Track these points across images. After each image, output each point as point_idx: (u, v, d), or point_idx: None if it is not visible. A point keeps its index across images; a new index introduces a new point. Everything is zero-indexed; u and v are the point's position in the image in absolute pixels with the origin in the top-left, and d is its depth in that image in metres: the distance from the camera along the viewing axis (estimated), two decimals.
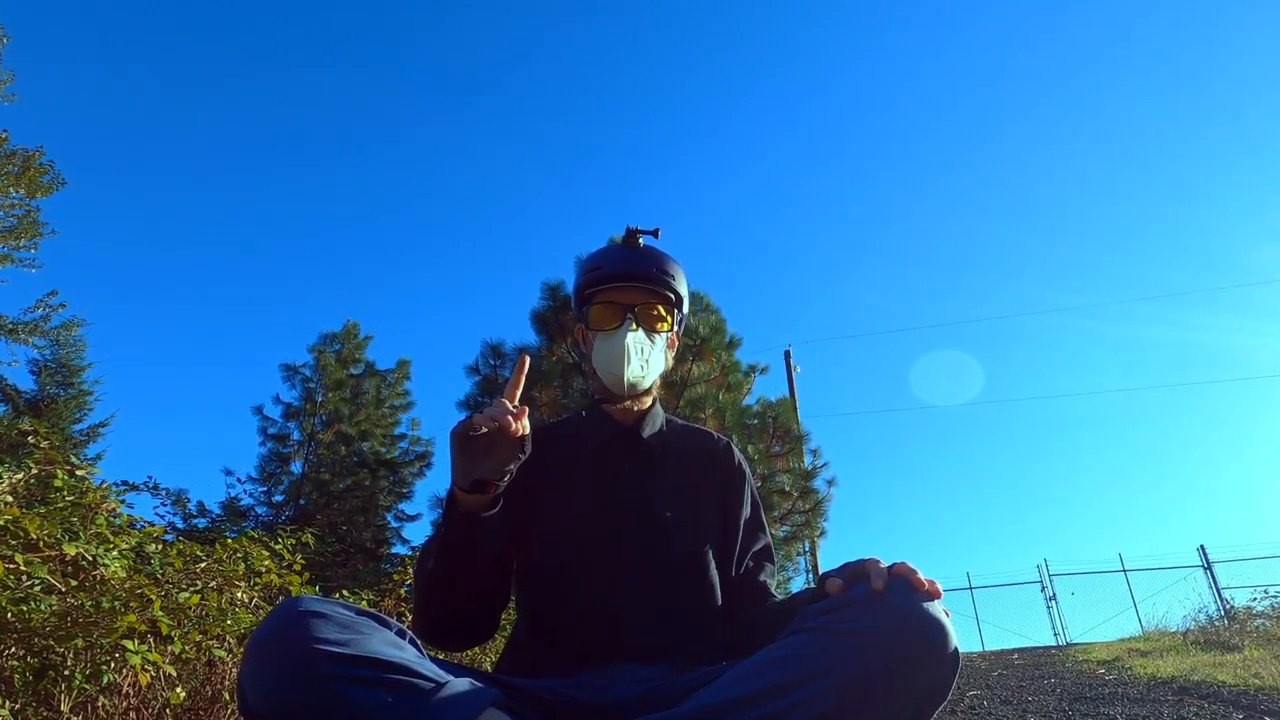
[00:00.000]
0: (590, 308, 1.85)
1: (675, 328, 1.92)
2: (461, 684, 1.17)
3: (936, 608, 1.19)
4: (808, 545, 13.62)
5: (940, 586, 1.23)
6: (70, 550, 3.21)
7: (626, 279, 1.82)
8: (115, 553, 3.49)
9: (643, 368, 1.80)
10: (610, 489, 1.74)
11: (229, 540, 4.70)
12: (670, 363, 1.95)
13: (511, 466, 1.44)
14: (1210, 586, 18.51)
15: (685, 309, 1.92)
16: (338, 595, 5.98)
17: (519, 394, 1.48)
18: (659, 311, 1.84)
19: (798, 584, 14.13)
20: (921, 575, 1.23)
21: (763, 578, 1.81)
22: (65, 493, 3.72)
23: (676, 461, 1.84)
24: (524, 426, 1.40)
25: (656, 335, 1.83)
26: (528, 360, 1.49)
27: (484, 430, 1.36)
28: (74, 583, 3.23)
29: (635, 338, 1.78)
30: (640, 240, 1.88)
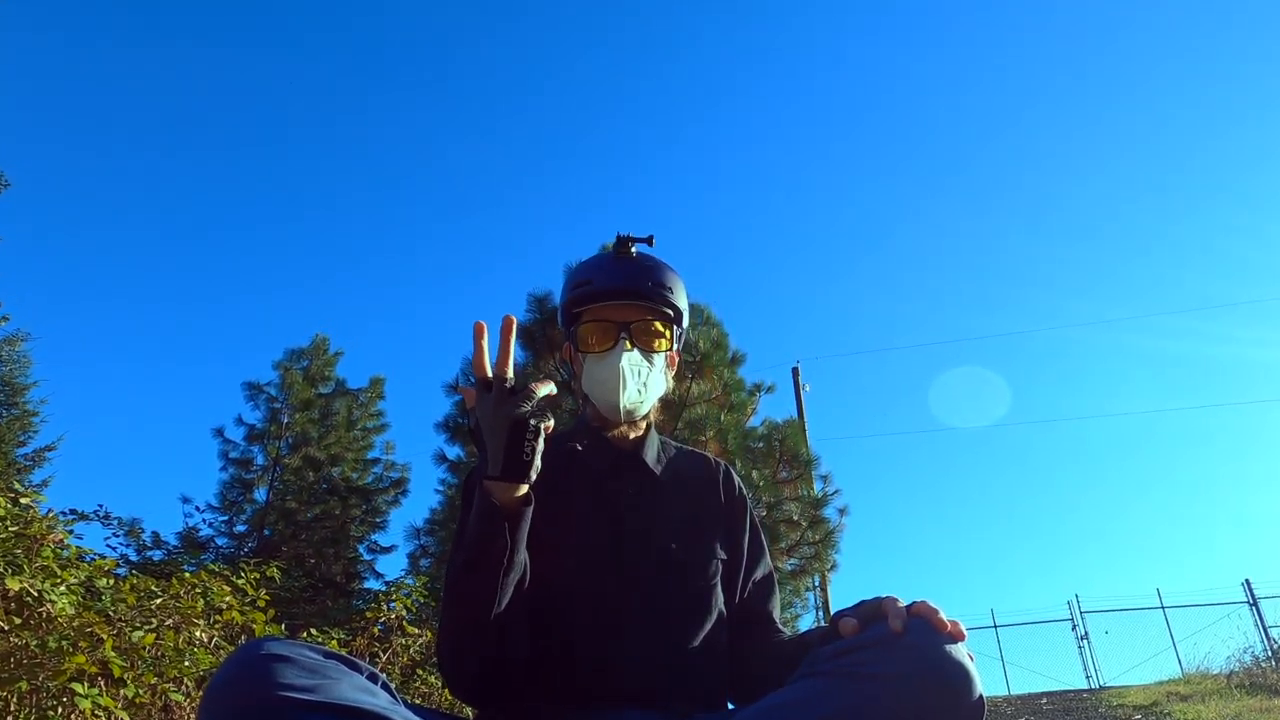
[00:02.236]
0: (579, 327, 1.81)
1: (674, 345, 1.88)
2: None
3: (960, 651, 1.19)
4: (817, 580, 13.62)
5: (963, 627, 1.23)
6: (14, 585, 3.19)
7: (619, 295, 1.79)
8: (63, 588, 3.48)
9: (640, 392, 1.76)
10: (613, 520, 1.72)
11: (187, 574, 4.70)
12: (670, 384, 1.91)
13: (536, 424, 1.41)
14: (1256, 624, 18.46)
15: (685, 324, 1.90)
16: (305, 635, 5.96)
17: (510, 361, 1.44)
18: (656, 328, 1.80)
19: (807, 622, 14.06)
20: (943, 615, 1.23)
21: (768, 606, 1.82)
22: (8, 523, 3.70)
23: (678, 490, 1.83)
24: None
25: (654, 355, 1.79)
26: (514, 321, 1.46)
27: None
28: (18, 620, 3.22)
29: (631, 358, 1.74)
30: (633, 249, 1.85)
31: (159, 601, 4.04)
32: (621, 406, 1.74)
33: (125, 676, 3.25)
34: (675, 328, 1.86)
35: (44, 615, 3.29)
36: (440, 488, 12.26)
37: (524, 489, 1.43)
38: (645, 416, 1.85)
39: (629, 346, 1.74)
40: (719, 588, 1.75)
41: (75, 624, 3.26)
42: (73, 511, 6.77)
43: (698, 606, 1.69)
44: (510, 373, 1.44)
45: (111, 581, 4.13)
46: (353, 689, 1.15)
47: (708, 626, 1.68)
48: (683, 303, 1.86)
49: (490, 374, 1.44)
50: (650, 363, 1.78)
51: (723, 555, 1.79)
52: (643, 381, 1.77)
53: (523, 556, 1.47)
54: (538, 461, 1.41)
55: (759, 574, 1.85)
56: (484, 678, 1.52)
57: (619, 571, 1.66)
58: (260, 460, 17.06)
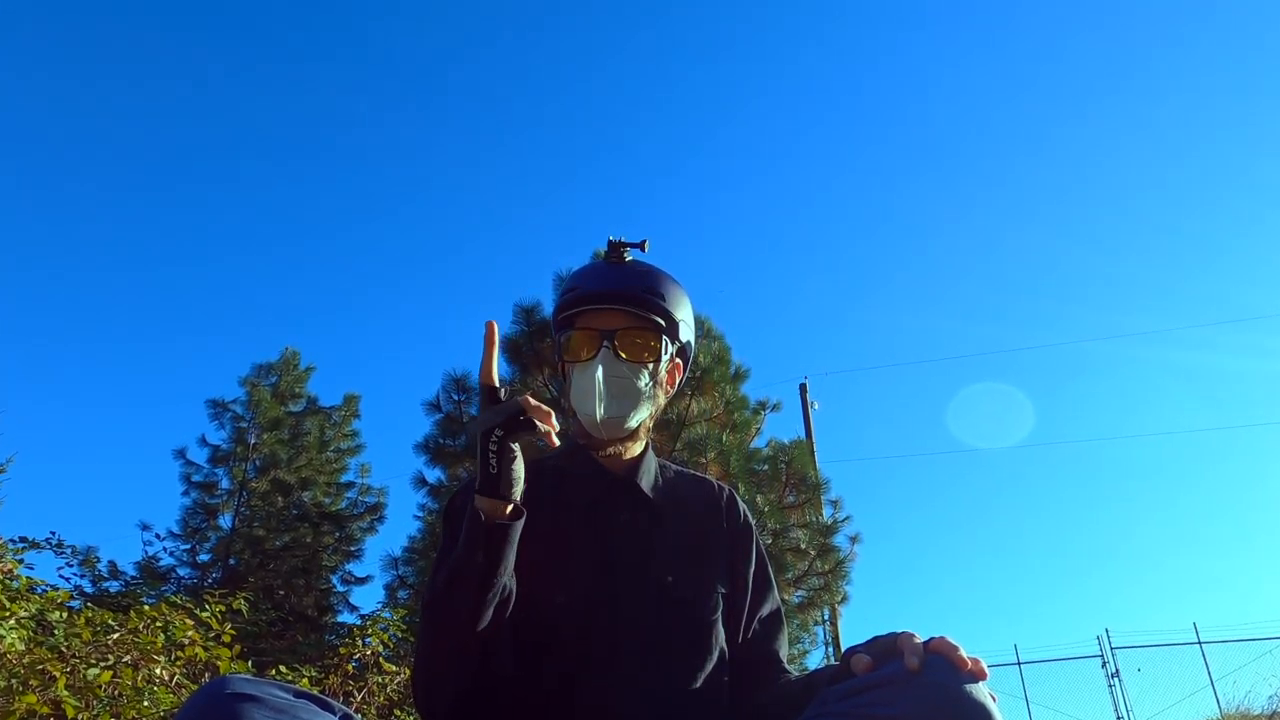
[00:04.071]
0: (566, 336, 1.82)
1: (669, 357, 1.86)
2: None
3: (981, 690, 1.19)
4: (827, 613, 13.54)
5: (985, 665, 1.23)
6: None
7: (605, 300, 1.80)
8: (12, 621, 3.47)
9: (620, 405, 1.75)
10: (606, 551, 1.72)
11: (146, 607, 4.68)
12: (663, 399, 1.90)
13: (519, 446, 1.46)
14: None
15: (686, 337, 1.89)
16: (273, 672, 5.94)
17: (495, 370, 1.48)
18: (645, 337, 1.80)
19: (815, 659, 14.00)
20: (963, 652, 1.23)
21: (774, 646, 1.82)
22: None
23: (677, 517, 1.82)
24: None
25: (640, 367, 1.78)
26: (495, 328, 1.48)
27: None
28: None
29: (612, 369, 1.73)
30: (626, 255, 1.86)
31: (116, 636, 4.03)
32: (598, 419, 1.72)
33: (80, 718, 3.24)
34: (669, 339, 1.84)
35: None
36: (420, 513, 12.22)
37: (509, 506, 1.45)
38: (636, 434, 1.84)
39: (613, 356, 1.74)
40: (720, 625, 1.74)
41: (26, 661, 3.25)
42: (23, 539, 6.77)
43: (697, 646, 1.68)
44: (495, 381, 1.47)
45: (65, 615, 4.13)
46: None
47: (708, 668, 1.67)
48: (680, 313, 1.85)
49: (484, 382, 1.47)
50: (635, 374, 1.77)
51: (725, 590, 1.79)
52: (623, 394, 1.76)
53: (504, 579, 1.48)
54: (511, 476, 1.44)
55: (765, 610, 1.85)
56: (462, 709, 1.53)
57: (611, 607, 1.65)
58: (225, 484, 17.01)
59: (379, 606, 11.73)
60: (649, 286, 1.81)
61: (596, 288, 1.81)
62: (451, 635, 1.47)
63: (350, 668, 6.34)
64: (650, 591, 1.68)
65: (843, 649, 1.65)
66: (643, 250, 1.89)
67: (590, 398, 1.72)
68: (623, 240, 1.87)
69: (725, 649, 1.73)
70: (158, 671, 4.00)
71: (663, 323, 1.82)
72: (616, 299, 1.79)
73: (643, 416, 1.83)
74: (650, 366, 1.81)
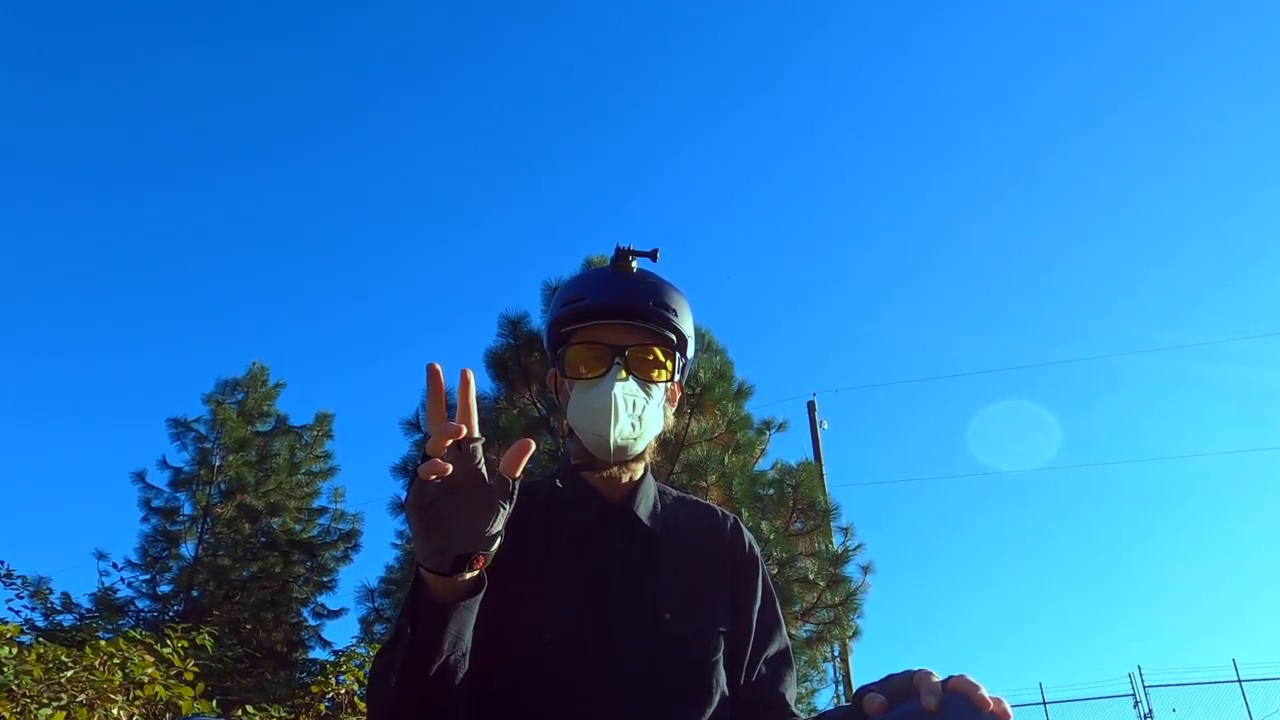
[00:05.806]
0: (568, 349, 1.80)
1: (677, 376, 1.86)
2: None
3: None
4: (837, 649, 13.55)
5: (1008, 705, 1.23)
6: None
7: (615, 314, 1.78)
8: None
9: (634, 427, 1.73)
10: (597, 585, 1.71)
11: (103, 642, 4.67)
12: (670, 420, 1.90)
13: (497, 526, 1.32)
14: None
15: (690, 353, 1.89)
16: (239, 713, 5.92)
17: (475, 420, 1.31)
18: (656, 356, 1.79)
19: (825, 698, 13.99)
20: (985, 691, 1.23)
21: (781, 689, 1.81)
22: None
23: (677, 548, 1.82)
24: (474, 452, 1.28)
25: (653, 386, 1.77)
26: (472, 376, 1.38)
27: (435, 477, 1.22)
28: None
29: (625, 388, 1.71)
30: (634, 264, 1.85)
31: (70, 674, 4.02)
32: (612, 442, 1.71)
33: None
34: (678, 356, 1.85)
35: None
36: (398, 541, 12.25)
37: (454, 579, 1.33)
38: (640, 458, 1.83)
39: (623, 374, 1.72)
40: (721, 666, 1.74)
41: None
42: None
43: (696, 688, 1.68)
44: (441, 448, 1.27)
45: (14, 650, 4.11)
46: None
47: (708, 712, 1.67)
48: (688, 329, 1.85)
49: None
50: (648, 394, 1.76)
51: (728, 628, 1.78)
52: (637, 415, 1.74)
53: (444, 661, 1.39)
54: (433, 545, 1.31)
55: (772, 649, 1.84)
56: None
57: (604, 646, 1.65)
58: (188, 509, 16.97)
59: (354, 641, 11.69)
60: (661, 300, 1.80)
61: (605, 300, 1.79)
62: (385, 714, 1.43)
63: (322, 708, 6.31)
64: (645, 629, 1.67)
65: (854, 687, 1.63)
66: (653, 260, 1.87)
67: (601, 418, 1.70)
68: (632, 248, 1.85)
69: (726, 691, 1.72)
70: (115, 712, 3.99)
71: (674, 339, 1.82)
72: (628, 313, 1.78)
73: (651, 438, 1.82)
74: (661, 386, 1.81)
